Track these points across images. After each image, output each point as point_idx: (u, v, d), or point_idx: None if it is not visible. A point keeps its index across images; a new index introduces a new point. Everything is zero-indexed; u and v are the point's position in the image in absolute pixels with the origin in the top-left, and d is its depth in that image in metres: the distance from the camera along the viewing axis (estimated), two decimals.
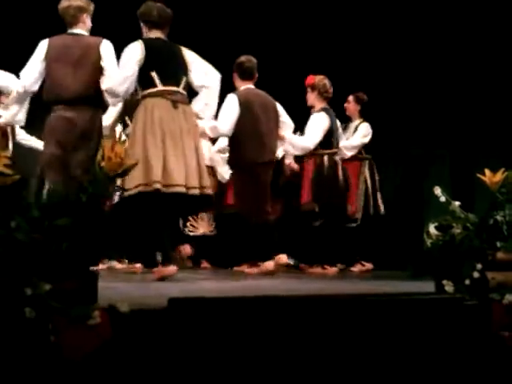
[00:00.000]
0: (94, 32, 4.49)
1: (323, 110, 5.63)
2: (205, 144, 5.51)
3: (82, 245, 2.01)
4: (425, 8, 6.44)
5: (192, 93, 4.48)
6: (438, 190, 2.89)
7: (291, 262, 5.67)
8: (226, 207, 6.15)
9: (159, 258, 4.33)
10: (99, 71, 4.31)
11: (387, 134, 6.83)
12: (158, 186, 3.96)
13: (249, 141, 5.12)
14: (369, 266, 5.96)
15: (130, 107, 4.95)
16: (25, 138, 5.84)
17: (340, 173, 5.58)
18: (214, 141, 6.04)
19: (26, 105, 4.54)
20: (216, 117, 5.04)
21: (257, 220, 5.07)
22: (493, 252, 2.73)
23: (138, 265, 5.16)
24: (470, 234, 2.79)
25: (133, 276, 4.65)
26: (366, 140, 6.19)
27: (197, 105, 4.45)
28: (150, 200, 4.01)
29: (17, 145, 5.76)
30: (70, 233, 1.99)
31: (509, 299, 2.56)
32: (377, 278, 4.80)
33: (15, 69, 4.57)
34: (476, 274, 2.69)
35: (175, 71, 4.32)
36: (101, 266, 4.41)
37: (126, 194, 4.02)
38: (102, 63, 4.30)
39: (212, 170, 6.11)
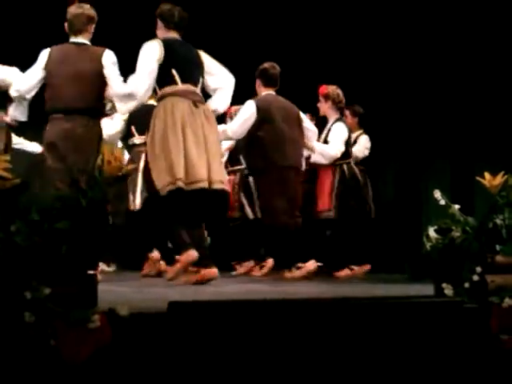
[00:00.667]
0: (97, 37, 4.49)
1: (340, 120, 5.73)
2: None
3: (81, 248, 2.01)
4: (423, 21, 6.46)
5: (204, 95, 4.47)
6: (437, 194, 2.90)
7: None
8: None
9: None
10: (100, 81, 4.30)
11: (387, 135, 6.84)
12: (180, 183, 3.95)
13: (270, 145, 5.08)
14: (359, 270, 5.69)
15: (134, 116, 4.98)
16: (17, 142, 5.80)
17: (361, 180, 5.75)
18: None
19: (26, 104, 4.54)
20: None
21: (286, 222, 5.05)
22: (492, 255, 2.73)
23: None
24: (470, 237, 2.79)
25: (133, 280, 4.65)
26: (367, 152, 6.30)
27: (212, 105, 4.43)
28: (175, 198, 4.00)
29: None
30: (70, 236, 1.99)
31: (508, 302, 2.56)
32: (376, 281, 4.80)
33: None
34: (475, 277, 2.69)
35: (193, 72, 4.31)
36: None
37: (159, 194, 4.01)
38: (105, 71, 4.28)
39: None
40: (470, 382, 2.48)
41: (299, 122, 5.31)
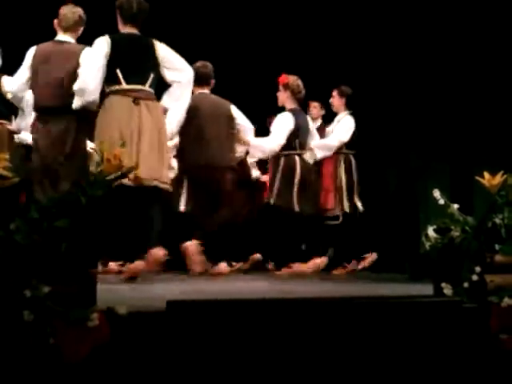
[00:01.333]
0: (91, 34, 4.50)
1: (291, 110, 5.57)
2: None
3: (81, 247, 2.01)
4: (423, 20, 6.45)
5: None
6: (436, 193, 2.90)
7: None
8: None
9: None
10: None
11: (387, 136, 6.84)
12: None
13: (191, 145, 5.07)
14: (351, 267, 5.72)
15: None
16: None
17: (297, 176, 5.45)
18: None
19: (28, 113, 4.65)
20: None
21: (207, 222, 5.10)
22: (491, 255, 2.73)
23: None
24: (469, 236, 2.79)
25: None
26: (345, 138, 5.95)
27: (167, 100, 4.45)
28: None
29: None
30: (69, 235, 1.99)
31: (507, 302, 2.56)
32: (375, 280, 4.80)
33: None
34: (475, 277, 2.69)
35: (142, 68, 4.27)
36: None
37: None
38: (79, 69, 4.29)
39: None
40: (469, 382, 2.48)
41: (230, 119, 5.31)
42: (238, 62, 6.90)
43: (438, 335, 2.50)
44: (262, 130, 5.94)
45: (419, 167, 6.80)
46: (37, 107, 4.43)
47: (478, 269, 2.70)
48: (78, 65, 4.29)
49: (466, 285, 2.70)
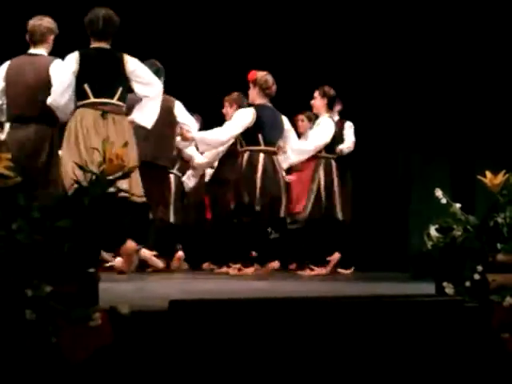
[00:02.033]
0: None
1: (255, 106, 5.43)
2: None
3: (82, 246, 2.01)
4: (424, 16, 6.45)
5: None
6: (438, 192, 2.89)
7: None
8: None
9: None
10: (49, 90, 4.46)
11: (387, 137, 6.85)
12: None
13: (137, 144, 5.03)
14: (319, 270, 5.55)
15: None
16: None
17: (259, 173, 5.28)
18: None
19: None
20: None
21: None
22: (493, 254, 2.73)
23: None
24: (471, 236, 2.79)
25: (133, 277, 4.65)
26: (322, 142, 5.76)
27: (136, 113, 4.58)
28: None
29: None
30: (71, 234, 2.00)
31: (509, 301, 2.56)
32: (376, 279, 4.80)
33: None
34: (476, 276, 2.69)
35: (110, 83, 4.41)
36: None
37: None
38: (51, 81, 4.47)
39: None
40: (471, 381, 2.48)
41: (171, 117, 5.36)
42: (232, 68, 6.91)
43: (439, 334, 2.50)
44: None
45: (421, 166, 6.81)
46: (10, 116, 4.59)
47: (479, 268, 2.70)
48: (48, 76, 4.48)
49: (467, 284, 2.70)
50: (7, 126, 4.68)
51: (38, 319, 1.86)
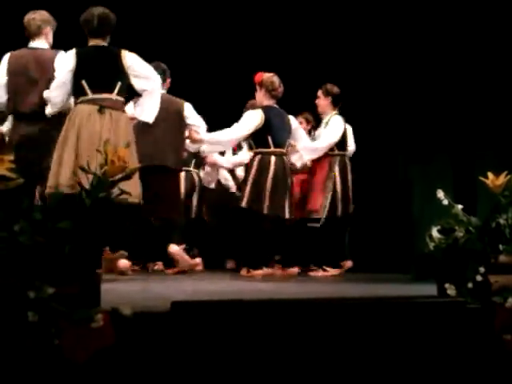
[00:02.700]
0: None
1: (263, 107, 5.45)
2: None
3: (84, 248, 2.02)
4: (423, 17, 6.45)
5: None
6: (440, 193, 2.89)
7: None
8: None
9: None
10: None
11: (387, 138, 6.84)
12: (65, 189, 3.96)
13: (141, 144, 4.94)
14: (333, 271, 5.58)
15: None
16: None
17: (270, 174, 5.32)
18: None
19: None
20: None
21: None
22: (495, 255, 2.73)
23: None
24: (473, 237, 2.79)
25: (135, 278, 4.65)
26: (335, 139, 5.77)
27: (136, 108, 4.65)
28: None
29: None
30: (73, 236, 2.00)
31: (511, 302, 2.56)
32: (378, 281, 4.80)
33: None
34: (479, 278, 2.68)
35: (108, 77, 4.41)
36: None
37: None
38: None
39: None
40: (473, 383, 2.48)
41: (180, 119, 5.36)
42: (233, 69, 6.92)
43: (441, 336, 2.49)
44: None
45: (422, 167, 6.80)
46: (12, 110, 4.56)
47: (482, 269, 2.69)
48: (53, 70, 4.45)
49: (469, 285, 2.70)
50: (10, 119, 4.65)
51: (41, 321, 1.86)
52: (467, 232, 2.82)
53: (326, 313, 2.39)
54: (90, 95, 4.33)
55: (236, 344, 2.19)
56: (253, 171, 5.33)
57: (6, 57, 4.60)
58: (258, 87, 5.54)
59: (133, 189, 4.19)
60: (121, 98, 4.43)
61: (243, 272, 5.21)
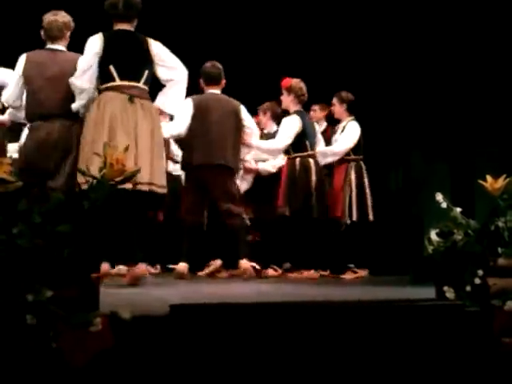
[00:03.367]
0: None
1: (296, 112, 5.67)
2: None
3: (83, 251, 2.01)
4: (425, 18, 6.46)
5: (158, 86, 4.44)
6: (439, 196, 2.89)
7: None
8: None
9: None
10: None
11: (388, 139, 6.84)
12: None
13: (196, 144, 5.08)
14: (361, 273, 5.70)
15: None
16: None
17: (313, 177, 5.55)
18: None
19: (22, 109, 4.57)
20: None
21: (192, 221, 5.16)
22: (494, 258, 2.73)
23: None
24: (472, 240, 2.79)
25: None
26: (351, 144, 5.88)
27: (161, 98, 4.42)
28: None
29: None
30: (72, 239, 2.00)
31: (510, 305, 2.55)
32: (376, 283, 4.79)
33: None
34: (477, 280, 2.68)
35: (136, 65, 4.23)
36: None
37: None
38: None
39: None
40: None
41: (236, 119, 5.30)
42: (240, 64, 6.91)
43: (440, 339, 2.49)
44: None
45: (421, 170, 6.81)
46: (34, 113, 4.40)
47: (480, 272, 2.69)
48: (74, 72, 4.26)
49: (468, 288, 2.70)
50: (25, 130, 4.53)
51: (39, 324, 1.86)
52: (466, 235, 2.82)
53: (325, 316, 2.39)
54: (118, 81, 4.14)
55: (235, 347, 2.18)
56: (296, 175, 5.54)
57: (23, 58, 4.44)
58: (285, 92, 5.70)
59: (158, 179, 4.16)
60: (146, 88, 4.25)
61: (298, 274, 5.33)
